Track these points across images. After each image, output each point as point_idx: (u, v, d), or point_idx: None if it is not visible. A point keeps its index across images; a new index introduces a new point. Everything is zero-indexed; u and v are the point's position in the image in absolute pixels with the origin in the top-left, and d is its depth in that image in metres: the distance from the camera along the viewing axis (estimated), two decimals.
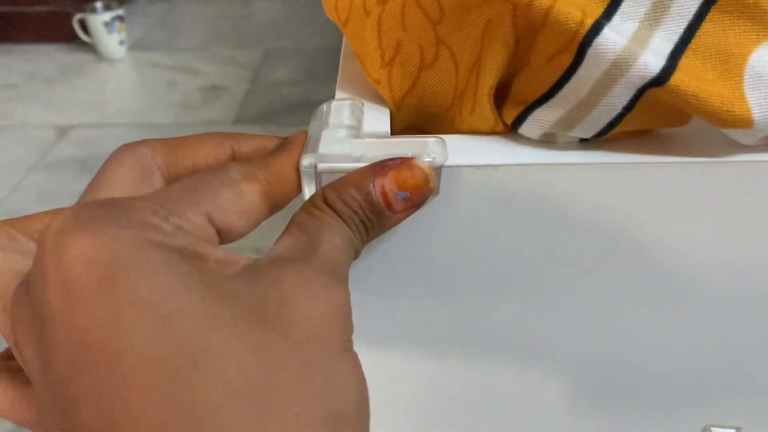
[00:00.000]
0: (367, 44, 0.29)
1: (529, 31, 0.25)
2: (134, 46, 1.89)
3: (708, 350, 0.32)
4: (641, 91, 0.24)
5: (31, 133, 1.48)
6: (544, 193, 0.26)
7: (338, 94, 0.31)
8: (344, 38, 0.37)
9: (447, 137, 0.27)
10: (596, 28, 0.23)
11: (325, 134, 0.27)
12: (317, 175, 0.26)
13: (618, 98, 0.24)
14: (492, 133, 0.28)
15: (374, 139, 0.26)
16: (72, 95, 1.64)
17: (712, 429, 0.34)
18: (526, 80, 0.26)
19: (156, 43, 1.94)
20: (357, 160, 0.25)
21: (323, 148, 0.26)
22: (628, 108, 0.25)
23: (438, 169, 0.26)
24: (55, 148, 1.43)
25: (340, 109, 0.29)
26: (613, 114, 0.25)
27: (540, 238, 0.27)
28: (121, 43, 1.79)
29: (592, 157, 0.26)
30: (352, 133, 0.27)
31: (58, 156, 1.40)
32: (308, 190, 0.26)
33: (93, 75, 1.75)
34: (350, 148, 0.26)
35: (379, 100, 0.30)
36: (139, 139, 0.27)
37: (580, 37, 0.24)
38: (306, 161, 0.25)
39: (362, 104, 0.29)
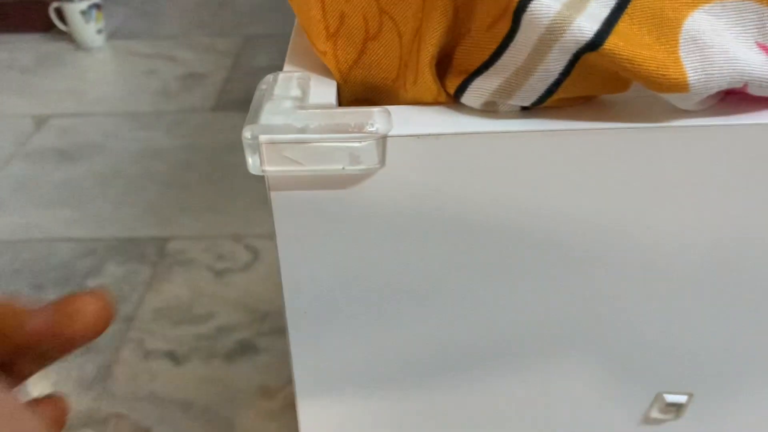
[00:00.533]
0: (311, 16, 0.29)
1: (467, 1, 0.25)
2: (112, 35, 1.87)
3: (659, 318, 0.32)
4: (576, 56, 0.24)
5: (8, 122, 1.47)
6: (486, 162, 0.26)
7: (286, 67, 0.31)
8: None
9: (392, 108, 0.27)
10: None
11: (269, 105, 0.27)
12: (259, 146, 0.26)
13: (554, 63, 0.24)
14: (435, 103, 0.28)
15: (318, 110, 0.27)
16: (50, 85, 1.63)
17: (665, 396, 0.35)
18: (467, 50, 0.27)
19: (134, 31, 1.92)
20: (301, 131, 0.25)
21: (265, 118, 0.26)
22: (565, 74, 0.25)
23: (382, 140, 0.26)
24: (33, 138, 1.41)
25: (287, 81, 0.29)
26: (551, 80, 0.25)
27: (483, 206, 0.27)
28: (99, 31, 1.77)
29: (533, 124, 0.26)
30: (297, 105, 0.27)
31: (36, 145, 1.39)
32: (251, 161, 0.26)
33: (71, 64, 1.73)
34: (294, 119, 0.26)
35: (326, 73, 0.30)
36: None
37: (514, 4, 0.24)
38: (248, 132, 0.25)
39: (309, 78, 0.29)
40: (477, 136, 0.26)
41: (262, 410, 0.82)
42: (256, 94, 0.28)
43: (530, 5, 0.23)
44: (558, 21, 0.23)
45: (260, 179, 1.26)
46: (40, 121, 1.47)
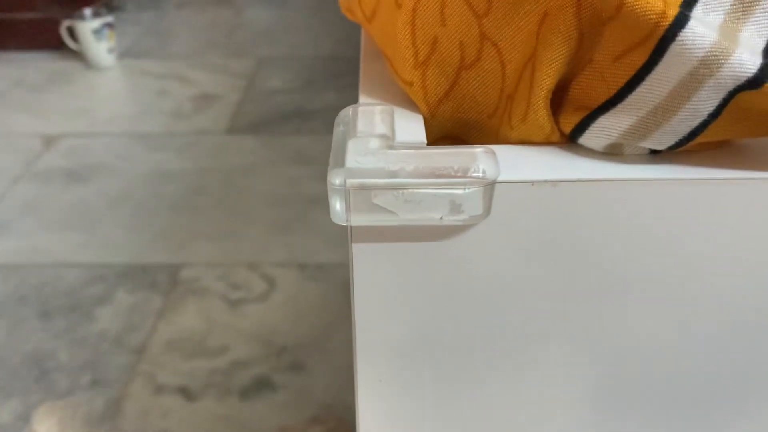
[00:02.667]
0: (397, 42, 0.25)
1: (595, 24, 0.22)
2: (124, 54, 1.85)
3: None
4: (732, 94, 0.20)
5: (17, 142, 1.44)
6: (610, 212, 0.22)
7: (362, 99, 0.27)
8: (363, 37, 0.34)
9: (496, 148, 0.23)
10: (681, 19, 0.20)
11: (353, 144, 0.23)
12: (347, 192, 0.22)
13: (704, 102, 0.21)
14: (546, 143, 0.24)
15: (412, 150, 0.23)
16: (60, 104, 1.60)
17: None
18: (589, 82, 0.23)
19: (146, 50, 1.90)
20: (394, 174, 0.22)
21: (353, 160, 0.22)
22: (715, 114, 0.21)
23: (489, 186, 0.22)
24: (41, 158, 1.38)
25: (369, 115, 0.25)
26: (697, 121, 0.21)
27: (603, 260, 0.23)
28: (111, 50, 1.74)
29: (666, 171, 0.22)
30: (385, 143, 0.23)
31: (45, 166, 1.35)
32: (338, 208, 0.22)
33: (81, 83, 1.70)
34: (386, 161, 0.22)
35: (409, 105, 0.27)
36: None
37: (661, 31, 0.20)
38: (336, 178, 0.21)
39: (393, 111, 0.25)
40: (601, 184, 0.22)
41: None
42: (337, 131, 0.24)
43: (681, 33, 0.20)
44: (715, 53, 0.20)
45: (277, 204, 1.22)
46: (49, 141, 1.44)
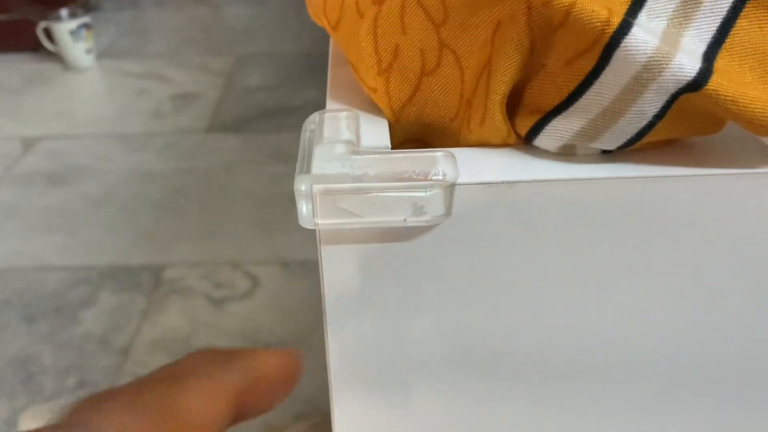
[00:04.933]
0: (361, 49, 0.26)
1: (546, 31, 0.23)
2: (102, 54, 1.84)
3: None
4: (674, 97, 0.21)
5: None
6: (565, 211, 0.24)
7: (329, 105, 0.28)
8: (331, 43, 0.34)
9: (455, 151, 0.25)
10: (624, 26, 0.21)
11: (319, 150, 0.24)
12: (313, 197, 0.23)
13: (649, 105, 0.22)
14: (504, 145, 0.25)
15: (376, 155, 0.24)
16: (38, 106, 1.59)
17: None
18: (541, 87, 0.24)
19: (125, 50, 1.89)
20: (358, 179, 0.23)
21: (318, 166, 0.23)
22: (659, 116, 0.22)
23: (449, 188, 0.23)
24: (21, 161, 1.37)
25: (335, 121, 0.26)
26: (643, 123, 0.22)
27: (559, 257, 0.25)
28: (89, 51, 1.74)
29: (617, 170, 0.23)
30: (351, 149, 0.24)
31: (25, 169, 1.35)
32: (305, 212, 0.23)
33: (60, 85, 1.69)
34: (350, 166, 0.23)
35: (375, 110, 0.28)
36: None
37: (606, 38, 0.21)
38: (302, 184, 0.22)
39: (358, 117, 0.26)
40: (556, 183, 0.23)
41: None
42: (303, 137, 0.25)
43: (625, 39, 0.21)
44: (656, 58, 0.21)
45: (258, 203, 1.22)
46: (29, 144, 1.43)
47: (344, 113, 0.26)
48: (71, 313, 0.99)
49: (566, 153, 0.24)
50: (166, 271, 1.08)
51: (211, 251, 1.12)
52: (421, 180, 0.23)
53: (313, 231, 0.24)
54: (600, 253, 0.24)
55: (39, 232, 1.17)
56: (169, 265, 1.09)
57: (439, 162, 0.23)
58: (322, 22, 0.29)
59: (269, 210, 1.22)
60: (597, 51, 0.21)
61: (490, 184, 0.23)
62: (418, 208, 0.23)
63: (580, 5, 0.21)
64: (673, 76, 0.21)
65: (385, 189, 0.23)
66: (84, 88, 1.69)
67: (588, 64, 0.22)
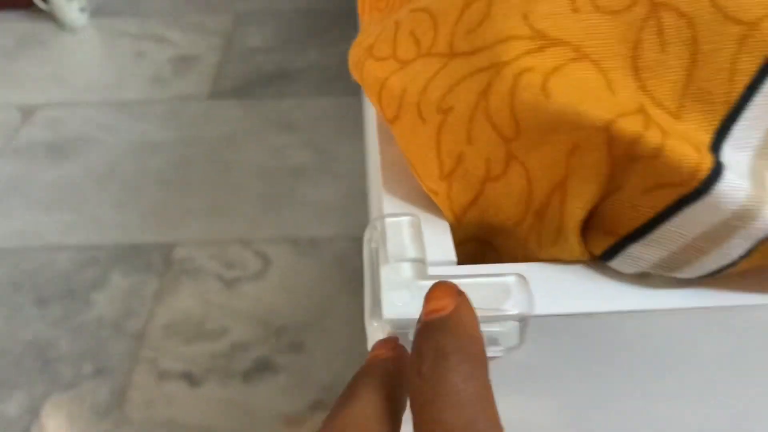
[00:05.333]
0: (422, 152, 0.25)
1: (626, 160, 0.22)
2: (96, 13, 1.78)
3: None
4: (763, 241, 0.21)
5: None
6: (643, 339, 0.23)
7: (387, 204, 0.27)
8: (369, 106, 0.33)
9: (526, 269, 0.24)
10: (716, 173, 0.20)
11: (386, 273, 0.23)
12: (385, 333, 0.22)
13: (735, 249, 0.21)
14: (575, 261, 0.25)
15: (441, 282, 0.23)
16: (34, 70, 1.55)
17: None
18: (617, 208, 0.23)
19: (119, 8, 1.83)
20: None
21: (388, 298, 0.22)
22: (744, 256, 0.21)
23: (524, 321, 0.23)
24: (21, 132, 1.35)
25: (397, 230, 0.25)
26: (726, 261, 0.22)
27: (636, 380, 0.24)
28: (82, 10, 1.68)
29: (698, 298, 0.23)
30: (418, 271, 0.23)
31: (25, 140, 1.32)
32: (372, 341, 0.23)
33: (54, 47, 1.65)
34: (420, 296, 0.22)
35: (433, 206, 0.27)
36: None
37: (695, 183, 0.20)
38: (374, 322, 0.22)
39: (419, 223, 0.26)
40: (637, 315, 0.23)
41: None
42: (367, 251, 0.25)
43: (717, 186, 0.20)
44: (748, 206, 0.20)
45: (264, 177, 1.21)
46: (27, 113, 1.40)
47: (406, 220, 0.25)
48: (83, 296, 1.00)
49: (641, 275, 0.24)
50: (175, 250, 1.08)
51: (220, 228, 1.12)
52: (494, 312, 0.22)
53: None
54: (678, 377, 0.24)
55: (44, 209, 1.16)
56: (178, 243, 1.09)
57: (513, 291, 0.22)
58: (376, 108, 0.28)
59: (275, 184, 1.20)
60: (683, 191, 0.21)
61: (567, 315, 0.22)
62: (491, 340, 0.23)
63: (669, 148, 0.20)
64: (764, 224, 0.20)
65: None
66: (79, 50, 1.65)
67: (670, 196, 0.21)
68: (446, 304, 0.20)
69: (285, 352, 0.91)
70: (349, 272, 1.02)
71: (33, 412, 0.85)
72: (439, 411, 0.18)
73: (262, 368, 0.90)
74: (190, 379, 0.88)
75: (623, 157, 0.21)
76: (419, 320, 0.20)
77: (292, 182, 1.21)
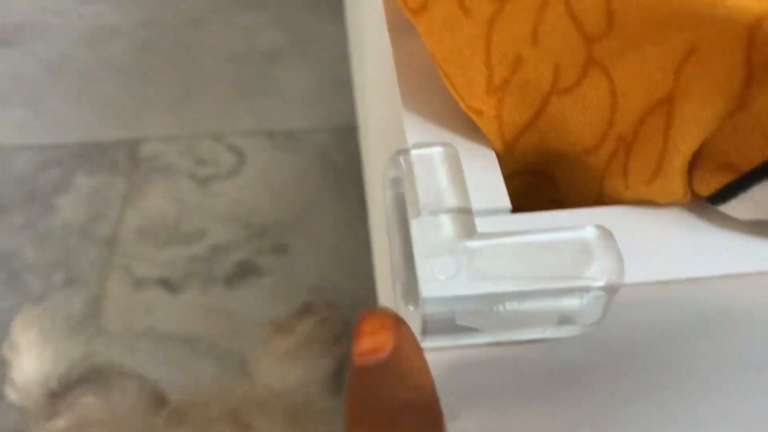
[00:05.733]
0: (462, 57, 0.18)
1: None
2: None
3: None
4: None
5: None
6: (758, 306, 0.17)
7: (409, 128, 0.20)
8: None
9: (608, 214, 0.18)
10: None
11: (420, 234, 0.17)
12: (423, 318, 0.16)
13: None
14: (671, 204, 0.18)
15: (502, 242, 0.17)
16: None
17: None
18: (741, 133, 0.17)
19: None
20: (486, 298, 0.16)
21: (425, 268, 0.16)
22: None
23: (611, 290, 0.17)
24: None
25: (429, 168, 0.18)
26: None
27: (745, 350, 0.19)
28: None
29: None
30: (462, 227, 0.17)
31: None
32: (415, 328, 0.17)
33: None
34: (469, 266, 0.16)
35: (472, 130, 0.20)
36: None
37: None
38: (411, 308, 0.16)
39: (458, 156, 0.19)
40: (752, 277, 0.17)
41: (279, 350, 0.76)
42: (389, 198, 0.18)
43: None
44: None
45: (234, 62, 1.11)
46: None
47: (438, 152, 0.19)
48: (46, 201, 0.92)
49: (761, 222, 0.18)
50: (141, 146, 0.99)
51: (188, 121, 1.03)
52: (574, 284, 0.16)
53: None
54: None
55: None
56: (145, 139, 1.00)
57: (596, 253, 0.16)
58: None
59: (246, 71, 1.11)
60: None
61: (667, 282, 0.16)
62: (566, 318, 0.17)
63: None
64: None
65: (524, 300, 0.16)
66: None
67: None
68: (383, 341, 0.14)
69: (268, 254, 0.86)
70: (330, 167, 0.96)
71: (2, 328, 0.80)
72: None
73: (245, 272, 0.85)
74: (169, 285, 0.83)
75: (766, 65, 0.15)
76: (349, 362, 0.15)
77: (265, 67, 1.11)
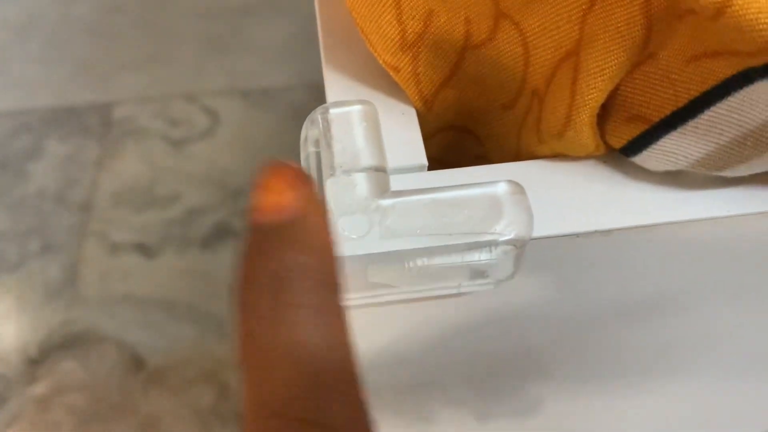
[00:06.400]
0: (375, 11, 0.18)
1: (670, 16, 0.15)
2: None
3: None
4: None
5: None
6: (671, 254, 0.18)
7: (330, 90, 0.20)
8: None
9: (522, 169, 0.18)
10: None
11: (334, 193, 0.17)
12: None
13: None
14: (586, 157, 0.18)
15: (415, 199, 0.17)
16: None
17: None
18: (648, 82, 0.17)
19: None
20: (398, 255, 0.16)
21: (338, 230, 0.16)
22: None
23: (520, 245, 0.17)
24: None
25: (346, 126, 0.18)
26: None
27: (657, 301, 0.19)
28: None
29: (742, 202, 0.17)
30: (377, 185, 0.17)
31: None
32: None
33: None
34: (381, 223, 0.16)
35: (394, 88, 0.20)
36: None
37: None
38: None
39: (376, 113, 0.19)
40: (665, 227, 0.17)
41: None
42: (306, 156, 0.18)
43: None
44: None
45: (204, 18, 1.09)
46: None
47: (357, 110, 0.18)
48: (18, 168, 0.92)
49: (672, 173, 0.18)
50: (114, 109, 0.98)
51: (160, 81, 1.02)
52: (482, 239, 0.16)
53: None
54: (713, 291, 0.19)
55: None
56: (117, 102, 0.99)
57: (506, 208, 0.16)
58: None
59: (218, 27, 1.09)
60: (752, 62, 0.14)
61: (577, 235, 0.17)
62: (477, 273, 0.17)
63: (741, 2, 0.13)
64: None
65: (433, 256, 0.16)
66: None
67: (729, 68, 0.15)
68: (288, 201, 0.13)
69: (244, 215, 0.86)
70: None
71: None
72: (275, 380, 0.12)
73: (222, 234, 0.85)
74: (145, 250, 0.83)
75: (665, 14, 0.15)
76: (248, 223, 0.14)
77: (237, 23, 1.09)
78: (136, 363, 0.69)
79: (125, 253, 0.83)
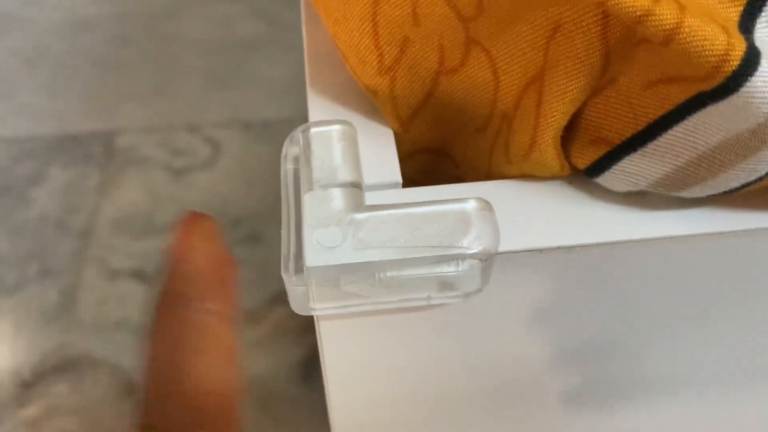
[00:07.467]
0: (354, 37, 0.19)
1: (625, 45, 0.16)
2: None
3: None
4: None
5: None
6: (633, 273, 0.18)
7: (312, 109, 0.21)
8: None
9: (491, 189, 0.19)
10: (748, 64, 0.14)
11: (311, 206, 0.18)
12: (309, 285, 0.17)
13: (766, 163, 0.16)
14: (552, 179, 0.19)
15: (387, 213, 0.18)
16: None
17: None
18: (609, 107, 0.18)
19: None
20: (368, 266, 0.17)
21: (311, 239, 0.17)
22: None
23: (487, 259, 0.18)
24: None
25: (325, 144, 0.19)
26: (752, 178, 0.17)
27: (621, 318, 0.20)
28: None
29: (704, 221, 0.18)
30: (352, 201, 0.18)
31: None
32: (299, 295, 0.18)
33: None
34: (354, 236, 0.17)
35: (372, 110, 0.21)
36: None
37: (721, 77, 0.15)
38: (291, 277, 0.17)
39: (355, 135, 0.20)
40: (627, 245, 0.18)
41: (250, 339, 0.77)
42: (285, 172, 0.19)
43: (753, 81, 0.14)
44: None
45: (210, 52, 1.11)
46: None
47: (336, 129, 0.19)
48: (22, 193, 0.93)
49: (634, 193, 0.19)
50: (117, 138, 1.00)
51: (164, 112, 1.04)
52: (450, 252, 0.17)
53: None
54: (674, 312, 0.20)
55: None
56: (121, 131, 1.01)
57: (474, 223, 0.17)
58: None
59: (222, 61, 1.11)
60: (702, 87, 0.15)
61: (540, 250, 0.17)
62: (446, 285, 0.18)
63: (688, 30, 0.14)
64: None
65: (403, 268, 0.17)
66: None
67: (682, 94, 0.16)
68: (200, 250, 0.16)
69: (242, 245, 0.87)
70: None
71: None
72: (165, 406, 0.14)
73: None
74: (143, 276, 0.84)
75: (622, 41, 0.16)
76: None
77: (241, 57, 1.11)
78: (130, 387, 0.69)
79: (123, 279, 0.83)
